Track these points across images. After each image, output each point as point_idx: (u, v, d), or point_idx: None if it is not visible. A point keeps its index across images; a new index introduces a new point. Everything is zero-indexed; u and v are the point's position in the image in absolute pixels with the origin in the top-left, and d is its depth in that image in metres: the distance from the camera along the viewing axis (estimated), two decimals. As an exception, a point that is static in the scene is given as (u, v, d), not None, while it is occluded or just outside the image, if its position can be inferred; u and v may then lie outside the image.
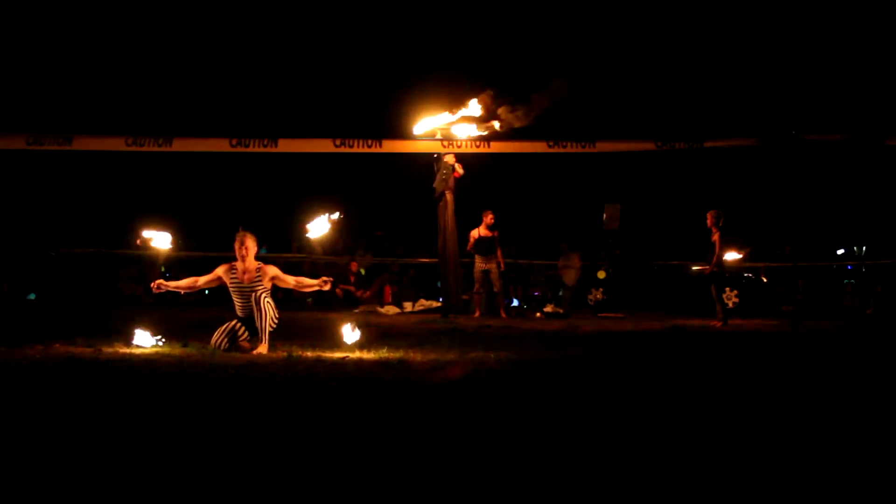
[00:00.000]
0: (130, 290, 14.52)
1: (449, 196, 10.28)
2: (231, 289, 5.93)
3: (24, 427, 2.91)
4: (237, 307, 5.91)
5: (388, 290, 13.68)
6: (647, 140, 9.85)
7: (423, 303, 12.59)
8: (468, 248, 11.37)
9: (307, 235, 6.54)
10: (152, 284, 6.01)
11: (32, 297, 13.75)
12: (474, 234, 11.26)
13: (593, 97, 17.86)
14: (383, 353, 5.42)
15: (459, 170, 10.21)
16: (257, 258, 6.03)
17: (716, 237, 9.34)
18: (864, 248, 16.69)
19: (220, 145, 9.57)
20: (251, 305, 5.76)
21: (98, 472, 2.33)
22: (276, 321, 5.76)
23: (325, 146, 9.80)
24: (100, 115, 15.58)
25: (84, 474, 2.30)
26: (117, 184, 17.12)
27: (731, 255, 9.58)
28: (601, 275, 13.75)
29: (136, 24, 17.90)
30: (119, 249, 14.54)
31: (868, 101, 16.48)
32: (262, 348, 5.59)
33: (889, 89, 16.15)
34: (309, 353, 5.38)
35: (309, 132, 10.46)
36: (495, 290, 11.26)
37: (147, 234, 6.27)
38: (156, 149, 9.31)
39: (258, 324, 5.66)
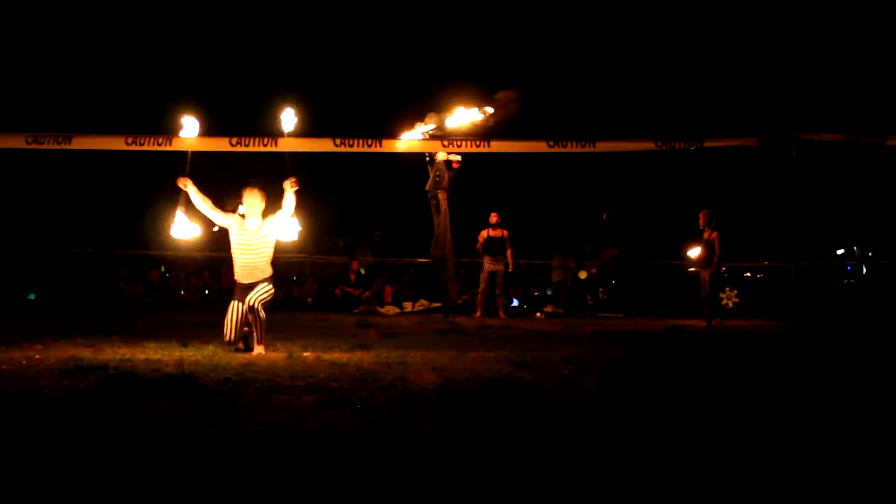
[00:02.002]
0: (130, 290, 14.52)
1: (442, 196, 10.33)
2: (236, 244, 5.66)
3: (23, 430, 2.91)
4: (238, 266, 5.66)
5: (388, 290, 13.68)
6: (647, 140, 9.83)
7: (424, 303, 12.60)
8: (476, 247, 11.41)
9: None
10: (180, 180, 5.65)
11: (32, 297, 13.76)
12: (483, 234, 11.30)
13: (593, 97, 17.87)
14: (383, 353, 5.42)
15: (456, 158, 10.26)
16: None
17: (714, 236, 9.33)
18: (869, 251, 16.68)
19: (220, 144, 9.56)
20: (253, 264, 5.60)
21: (97, 474, 2.33)
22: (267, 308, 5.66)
23: (325, 146, 9.79)
24: (100, 115, 15.58)
25: (83, 477, 2.30)
26: (117, 183, 17.13)
27: (693, 252, 9.61)
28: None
29: (135, 24, 17.90)
30: (119, 249, 14.55)
31: (868, 101, 16.48)
32: (260, 349, 5.55)
33: (889, 89, 16.15)
34: (309, 353, 5.38)
35: (309, 132, 10.45)
36: (497, 291, 11.29)
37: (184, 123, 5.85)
38: (155, 147, 9.31)
39: (253, 322, 5.59)
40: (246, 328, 5.64)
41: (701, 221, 9.46)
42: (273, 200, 5.78)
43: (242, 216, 5.75)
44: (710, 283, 9.42)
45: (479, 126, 9.71)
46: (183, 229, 5.72)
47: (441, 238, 10.41)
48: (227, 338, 5.55)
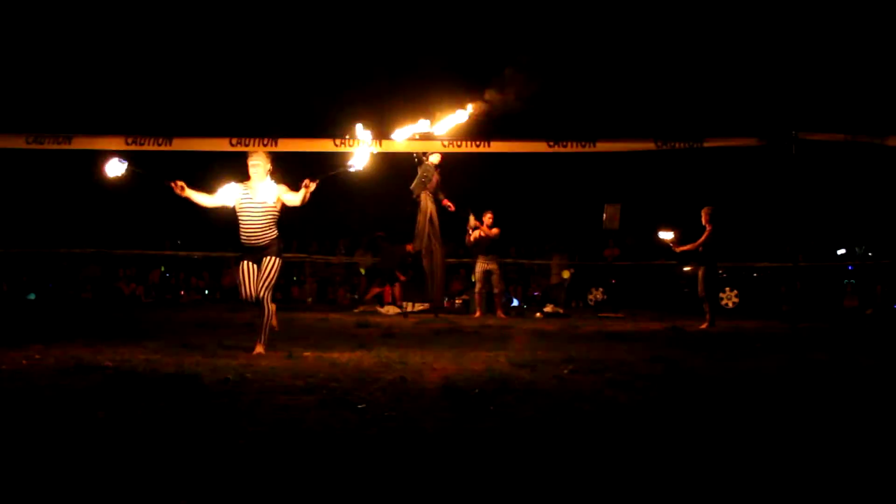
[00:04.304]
0: (130, 290, 14.52)
1: (426, 197, 10.41)
2: (240, 208, 5.59)
3: (23, 429, 2.91)
4: (242, 229, 5.60)
5: (388, 290, 13.66)
6: (647, 140, 9.83)
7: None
8: (467, 243, 11.42)
9: None
10: (175, 184, 5.48)
11: (32, 297, 13.77)
12: (477, 233, 11.31)
13: (593, 97, 17.86)
14: (383, 353, 5.42)
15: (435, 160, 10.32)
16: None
17: (708, 230, 9.41)
18: (870, 251, 16.66)
19: (220, 145, 9.56)
20: (257, 226, 5.55)
21: (96, 474, 2.33)
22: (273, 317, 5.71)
23: (324, 146, 9.80)
24: (100, 115, 15.58)
25: (82, 476, 2.30)
26: (116, 183, 17.11)
27: (666, 234, 9.64)
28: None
29: (135, 24, 17.90)
30: (119, 249, 14.56)
31: (868, 101, 16.47)
32: (260, 349, 5.54)
33: (889, 89, 16.14)
34: (309, 353, 5.38)
35: (309, 132, 10.46)
36: (495, 290, 11.29)
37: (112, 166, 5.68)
38: (156, 148, 9.31)
39: (259, 319, 5.60)
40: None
41: (703, 219, 9.49)
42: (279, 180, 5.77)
43: (246, 182, 5.70)
44: (702, 280, 9.44)
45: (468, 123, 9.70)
46: (115, 168, 5.54)
47: (424, 239, 10.47)
48: (243, 296, 5.57)
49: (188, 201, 5.62)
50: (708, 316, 9.25)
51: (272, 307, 5.69)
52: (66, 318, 8.45)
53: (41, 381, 3.94)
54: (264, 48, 18.92)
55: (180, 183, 5.51)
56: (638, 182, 17.72)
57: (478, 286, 11.40)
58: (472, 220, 11.19)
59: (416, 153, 10.35)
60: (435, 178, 10.42)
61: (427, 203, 10.42)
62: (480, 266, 11.29)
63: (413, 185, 10.46)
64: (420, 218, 10.43)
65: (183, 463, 2.42)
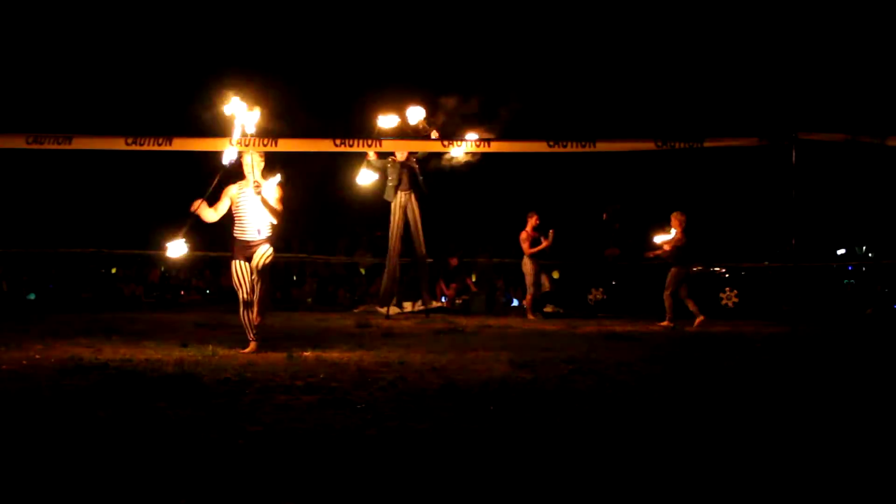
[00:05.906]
0: (130, 290, 14.52)
1: (402, 197, 10.53)
2: (240, 203, 5.73)
3: (22, 429, 2.91)
4: (242, 224, 5.72)
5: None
6: (647, 140, 9.83)
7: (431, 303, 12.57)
8: (534, 250, 11.30)
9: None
10: (195, 203, 5.66)
11: (32, 297, 13.76)
12: (532, 234, 11.26)
13: (593, 97, 17.87)
14: (383, 353, 5.42)
15: (435, 135, 10.35)
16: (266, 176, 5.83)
17: (677, 234, 9.63)
18: (870, 252, 16.66)
19: (221, 145, 9.55)
20: (253, 220, 5.67)
21: (96, 474, 2.33)
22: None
23: (325, 146, 9.79)
24: (100, 115, 15.58)
25: (82, 476, 2.30)
26: (117, 183, 17.15)
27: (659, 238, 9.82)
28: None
29: (135, 25, 17.90)
30: (119, 249, 14.56)
31: (868, 101, 16.47)
32: (260, 319, 5.64)
33: (889, 89, 16.14)
34: (309, 353, 5.38)
35: (309, 132, 10.47)
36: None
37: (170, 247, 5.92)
38: (156, 148, 9.29)
39: (256, 296, 5.63)
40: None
41: (673, 223, 9.74)
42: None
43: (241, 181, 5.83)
44: (671, 279, 9.62)
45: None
46: (177, 249, 5.81)
47: (396, 240, 10.59)
48: (243, 297, 5.64)
49: (197, 217, 5.72)
50: (669, 315, 9.49)
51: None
52: (66, 318, 8.45)
53: (41, 381, 3.94)
54: (264, 48, 18.92)
55: (201, 202, 5.65)
56: (638, 182, 17.71)
57: (545, 286, 11.33)
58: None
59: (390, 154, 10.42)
60: (404, 176, 10.50)
61: (397, 206, 10.55)
62: (537, 267, 11.29)
63: (385, 194, 10.62)
64: (391, 219, 10.60)
65: (183, 463, 2.42)
